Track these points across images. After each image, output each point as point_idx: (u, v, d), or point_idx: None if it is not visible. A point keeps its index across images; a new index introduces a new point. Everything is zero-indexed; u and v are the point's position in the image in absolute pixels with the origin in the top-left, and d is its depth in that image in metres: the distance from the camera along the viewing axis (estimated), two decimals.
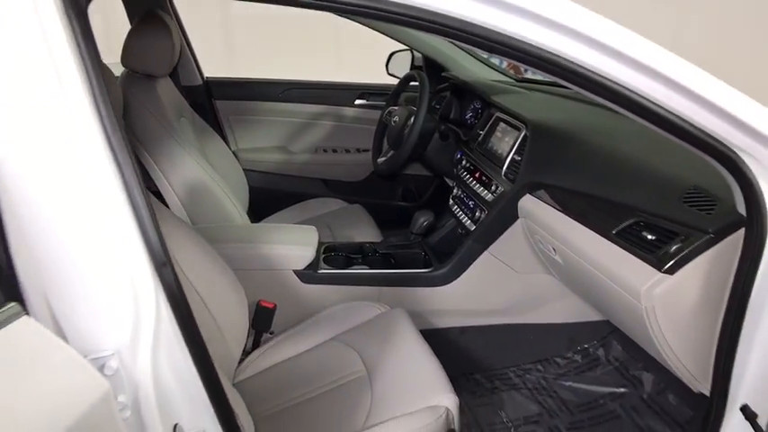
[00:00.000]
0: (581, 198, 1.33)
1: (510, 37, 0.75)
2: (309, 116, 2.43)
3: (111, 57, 1.43)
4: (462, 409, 1.35)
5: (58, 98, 0.63)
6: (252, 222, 2.01)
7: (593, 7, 0.76)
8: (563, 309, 1.77)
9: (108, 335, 0.67)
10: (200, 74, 2.32)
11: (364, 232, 2.04)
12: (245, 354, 1.45)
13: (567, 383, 1.70)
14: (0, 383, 0.55)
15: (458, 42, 2.11)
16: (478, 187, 1.74)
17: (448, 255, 1.78)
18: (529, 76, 2.31)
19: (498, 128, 1.79)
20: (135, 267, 0.67)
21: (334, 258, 1.74)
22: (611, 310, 1.39)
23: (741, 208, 0.91)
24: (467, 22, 0.74)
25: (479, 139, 1.88)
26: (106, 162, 0.65)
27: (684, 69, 0.78)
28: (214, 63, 2.46)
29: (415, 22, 0.74)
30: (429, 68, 2.30)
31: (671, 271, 1.03)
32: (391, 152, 2.02)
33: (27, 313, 0.61)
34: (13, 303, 0.61)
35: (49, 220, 0.64)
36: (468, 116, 2.12)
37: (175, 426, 0.74)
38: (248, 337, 1.39)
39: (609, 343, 1.77)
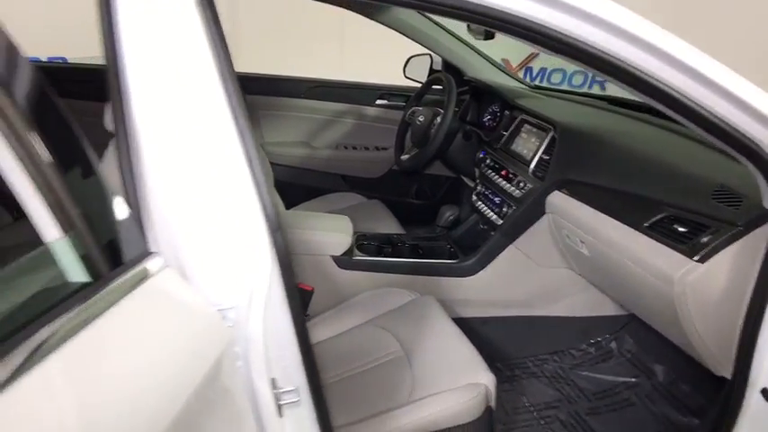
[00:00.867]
0: (610, 194, 1.41)
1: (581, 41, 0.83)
2: (332, 114, 2.50)
3: None
4: None
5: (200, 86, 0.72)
6: None
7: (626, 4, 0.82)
8: (579, 303, 1.86)
9: (229, 290, 0.73)
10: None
11: (387, 225, 2.12)
12: None
13: (583, 373, 1.79)
14: (152, 326, 0.62)
15: (475, 47, 2.20)
16: (505, 184, 1.82)
17: (470, 248, 1.87)
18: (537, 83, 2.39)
19: (523, 129, 1.88)
20: (255, 232, 0.74)
21: (367, 247, 1.81)
22: (635, 297, 1.47)
23: (767, 203, 1.00)
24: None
25: (503, 139, 1.97)
26: (234, 135, 0.73)
27: (711, 65, 0.84)
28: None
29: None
30: (448, 72, 2.38)
31: (703, 260, 1.12)
32: (415, 150, 2.11)
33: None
34: (156, 256, 0.67)
35: (188, 186, 0.71)
36: (486, 118, 2.21)
37: (273, 380, 0.80)
38: None
39: (621, 336, 1.87)
